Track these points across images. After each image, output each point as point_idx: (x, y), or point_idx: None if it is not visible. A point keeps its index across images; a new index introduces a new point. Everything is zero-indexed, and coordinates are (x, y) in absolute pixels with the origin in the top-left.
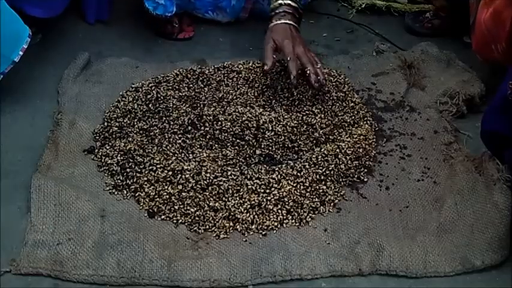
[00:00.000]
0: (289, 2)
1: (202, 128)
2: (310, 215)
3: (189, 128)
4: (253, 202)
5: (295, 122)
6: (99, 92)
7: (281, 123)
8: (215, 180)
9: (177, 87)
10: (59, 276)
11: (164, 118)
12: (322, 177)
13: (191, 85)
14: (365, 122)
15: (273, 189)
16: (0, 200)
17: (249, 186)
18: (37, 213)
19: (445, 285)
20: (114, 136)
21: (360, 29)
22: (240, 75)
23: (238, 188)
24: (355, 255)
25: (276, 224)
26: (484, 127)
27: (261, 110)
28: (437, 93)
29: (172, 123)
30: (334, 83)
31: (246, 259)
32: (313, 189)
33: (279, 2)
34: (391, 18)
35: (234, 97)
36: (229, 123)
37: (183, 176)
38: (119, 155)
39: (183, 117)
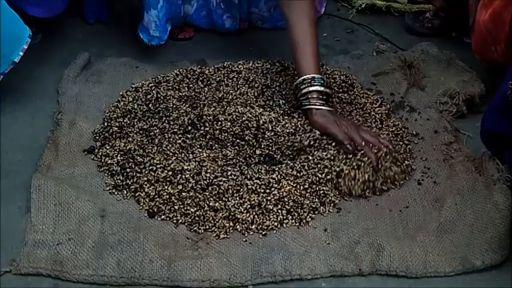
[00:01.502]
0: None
1: (202, 128)
2: (310, 215)
3: (189, 128)
4: (253, 202)
5: (295, 122)
6: (99, 92)
7: (281, 123)
8: (215, 180)
9: (177, 87)
10: (59, 276)
11: (164, 118)
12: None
13: (191, 85)
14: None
15: (273, 189)
16: (0, 200)
17: (249, 186)
18: (37, 213)
19: (445, 285)
20: (114, 136)
21: (360, 29)
22: (240, 75)
23: (238, 188)
24: (355, 255)
25: (276, 224)
26: (484, 127)
27: (261, 110)
28: (437, 93)
29: (172, 123)
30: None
31: (246, 259)
32: (313, 189)
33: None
34: (391, 18)
35: (234, 97)
36: (229, 123)
37: (183, 176)
38: (119, 155)
39: (183, 117)
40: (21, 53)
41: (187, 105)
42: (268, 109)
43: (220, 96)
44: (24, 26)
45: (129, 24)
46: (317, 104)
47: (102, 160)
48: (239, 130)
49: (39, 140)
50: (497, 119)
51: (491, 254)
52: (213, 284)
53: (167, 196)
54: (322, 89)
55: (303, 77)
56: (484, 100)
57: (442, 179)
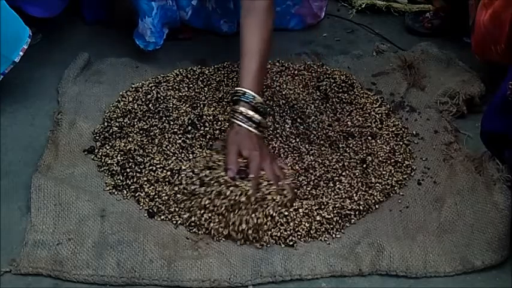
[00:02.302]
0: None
1: (202, 128)
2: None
3: (189, 128)
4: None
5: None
6: (99, 92)
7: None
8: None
9: (177, 87)
10: (59, 276)
11: (164, 118)
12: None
13: (191, 85)
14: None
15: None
16: (0, 200)
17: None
18: (37, 213)
19: (445, 285)
20: (114, 136)
21: (360, 29)
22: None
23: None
24: (355, 255)
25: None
26: (484, 127)
27: None
28: (437, 93)
29: (172, 123)
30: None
31: (246, 259)
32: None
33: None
34: (391, 18)
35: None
36: (229, 123)
37: (179, 177)
38: (119, 155)
39: (183, 117)
40: (21, 53)
41: (187, 105)
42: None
43: (220, 96)
44: (24, 26)
45: (129, 24)
46: (239, 120)
47: (102, 160)
48: None
49: (39, 140)
50: (497, 119)
51: (491, 254)
52: (213, 284)
53: (167, 197)
54: (244, 109)
55: (236, 88)
56: (484, 100)
57: (442, 179)
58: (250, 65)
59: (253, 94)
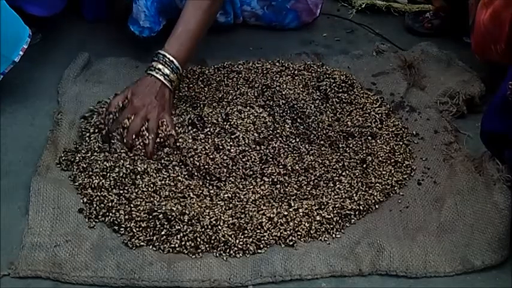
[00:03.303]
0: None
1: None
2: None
3: (189, 128)
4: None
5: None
6: (99, 92)
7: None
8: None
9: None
10: (58, 278)
11: None
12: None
13: (191, 85)
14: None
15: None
16: (0, 200)
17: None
18: (35, 216)
19: (445, 285)
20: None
21: (360, 29)
22: (240, 75)
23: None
24: (355, 255)
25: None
26: (484, 127)
27: (261, 110)
28: (437, 93)
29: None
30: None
31: (246, 259)
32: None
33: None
34: (391, 18)
35: (234, 97)
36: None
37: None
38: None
39: (184, 116)
40: (21, 53)
41: (187, 105)
42: (268, 109)
43: (220, 96)
44: (24, 25)
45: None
46: (152, 69)
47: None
48: None
49: (39, 140)
50: (497, 119)
51: (491, 254)
52: (213, 284)
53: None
54: (154, 64)
55: (158, 50)
56: (484, 100)
57: (442, 179)
58: (177, 30)
59: (164, 54)
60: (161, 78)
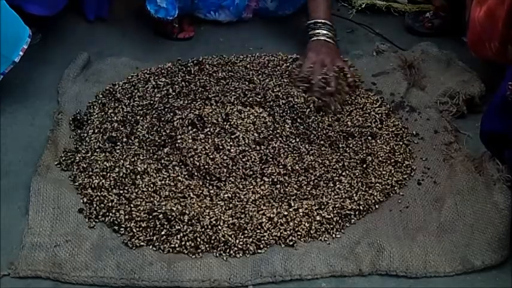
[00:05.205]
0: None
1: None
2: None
3: (189, 128)
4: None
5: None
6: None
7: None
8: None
9: (176, 86)
10: (58, 278)
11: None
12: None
13: (191, 82)
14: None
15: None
16: (0, 200)
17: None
18: (35, 216)
19: (445, 285)
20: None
21: (360, 29)
22: (240, 74)
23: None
24: (355, 255)
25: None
26: (484, 127)
27: (261, 110)
28: (437, 93)
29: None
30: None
31: (246, 259)
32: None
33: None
34: (391, 18)
35: (234, 96)
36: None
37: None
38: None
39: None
40: (21, 53)
41: (187, 101)
42: (268, 109)
43: (219, 94)
44: (24, 26)
45: (129, 24)
46: (317, 34)
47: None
48: None
49: (39, 140)
50: (497, 119)
51: (491, 254)
52: (213, 284)
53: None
54: (320, 31)
55: (312, 21)
56: (484, 100)
57: (442, 179)
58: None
59: (321, 21)
60: (324, 38)
